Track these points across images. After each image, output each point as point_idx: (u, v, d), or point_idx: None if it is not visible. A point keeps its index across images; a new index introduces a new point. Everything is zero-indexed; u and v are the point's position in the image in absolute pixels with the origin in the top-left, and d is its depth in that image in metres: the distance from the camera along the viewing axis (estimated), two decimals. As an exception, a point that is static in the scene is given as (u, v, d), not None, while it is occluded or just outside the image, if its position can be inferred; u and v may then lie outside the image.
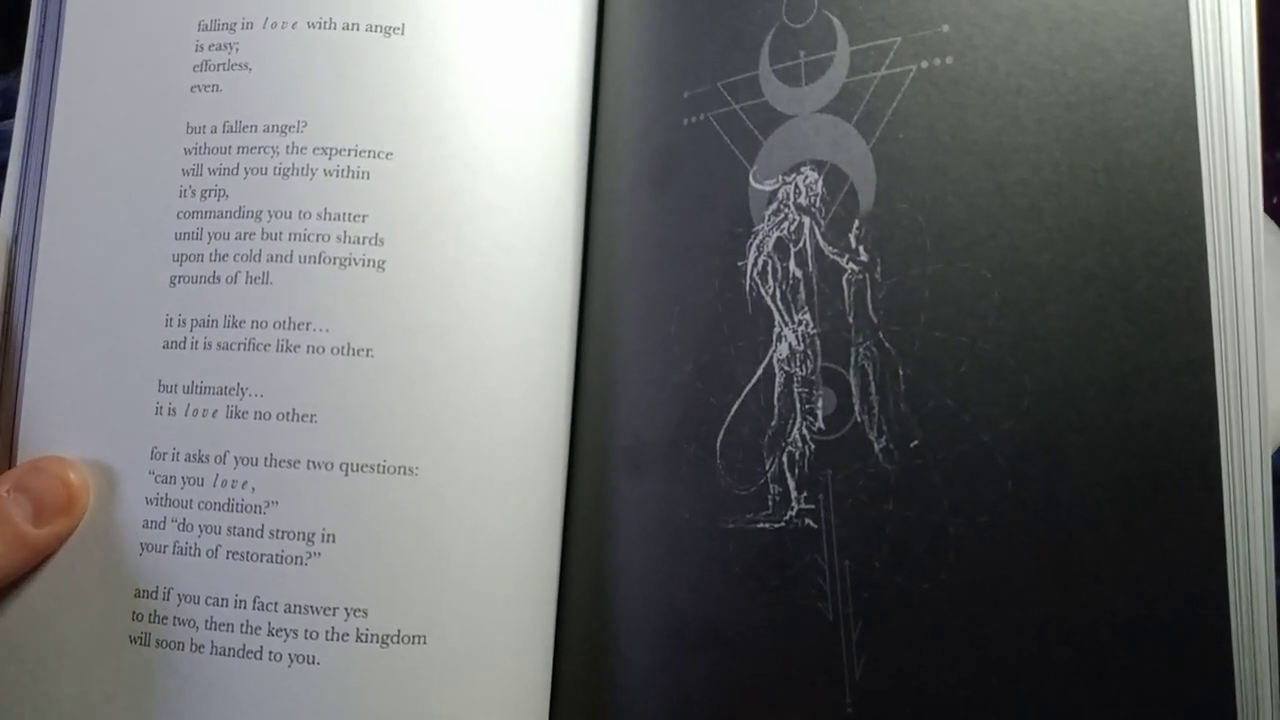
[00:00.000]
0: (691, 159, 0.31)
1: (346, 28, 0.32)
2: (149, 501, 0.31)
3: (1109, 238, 0.26)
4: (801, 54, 0.30)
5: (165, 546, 0.31)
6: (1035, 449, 0.27)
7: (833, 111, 0.29)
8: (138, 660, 0.31)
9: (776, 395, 0.30)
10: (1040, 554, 0.26)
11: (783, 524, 0.29)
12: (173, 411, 0.31)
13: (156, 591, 0.31)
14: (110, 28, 0.33)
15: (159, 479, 0.31)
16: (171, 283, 0.32)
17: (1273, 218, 0.35)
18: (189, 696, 0.30)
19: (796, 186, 0.30)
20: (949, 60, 0.28)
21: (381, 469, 0.31)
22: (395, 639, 0.30)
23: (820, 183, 0.29)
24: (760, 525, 0.29)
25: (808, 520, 0.29)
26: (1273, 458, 0.25)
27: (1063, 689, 0.26)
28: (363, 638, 0.30)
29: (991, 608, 0.27)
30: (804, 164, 0.30)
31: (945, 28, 0.28)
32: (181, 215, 0.32)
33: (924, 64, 0.28)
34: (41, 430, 0.32)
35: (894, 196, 0.28)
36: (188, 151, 0.32)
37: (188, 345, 0.31)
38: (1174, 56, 0.26)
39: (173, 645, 0.31)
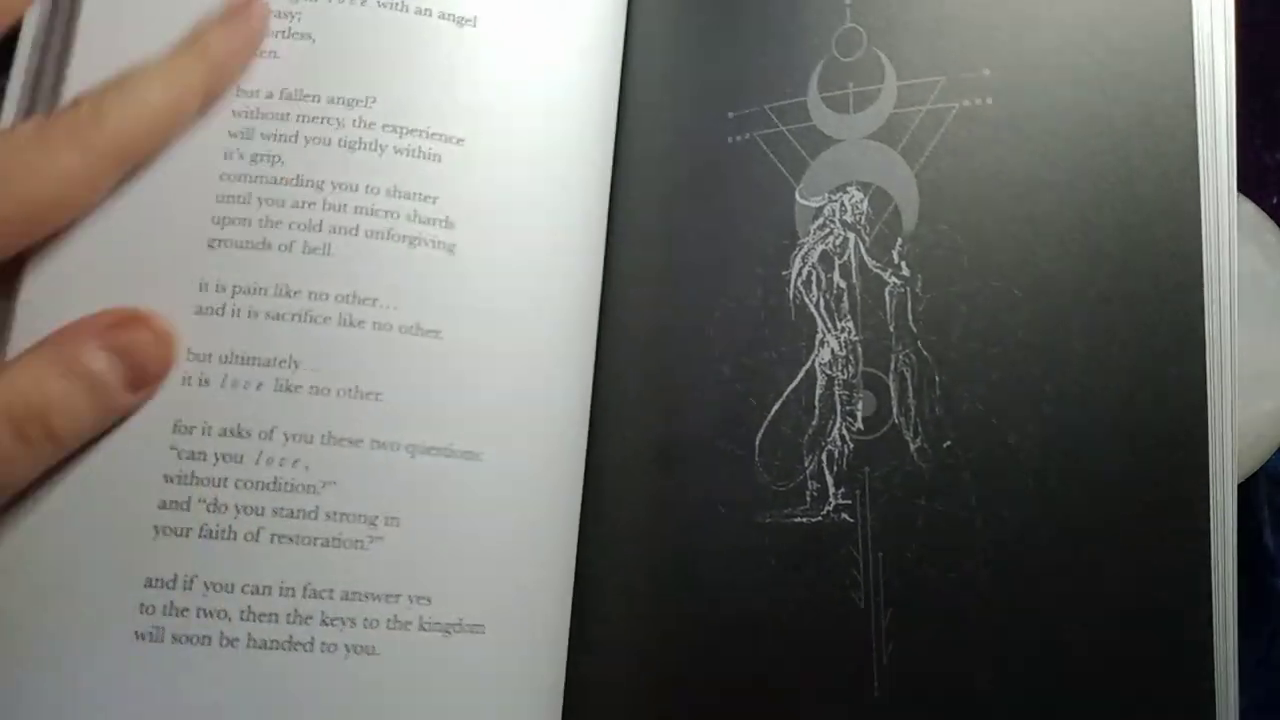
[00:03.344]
0: (736, 174, 0.33)
1: (419, 12, 0.32)
2: (168, 480, 0.29)
3: (1121, 267, 0.30)
4: (850, 85, 0.32)
5: (188, 530, 0.28)
6: (1054, 449, 0.30)
7: (879, 139, 0.32)
8: (146, 658, 0.28)
9: (818, 397, 0.32)
10: (1055, 543, 0.29)
11: (820, 518, 0.31)
12: (205, 382, 0.29)
13: (175, 580, 0.28)
14: None
15: (183, 455, 0.29)
16: (210, 245, 0.30)
17: (1273, 218, 0.39)
18: (221, 695, 0.28)
19: (842, 204, 0.32)
20: (989, 101, 0.31)
21: (449, 452, 0.30)
22: (458, 628, 0.30)
23: (865, 202, 0.32)
24: (798, 520, 0.31)
25: (844, 515, 0.31)
26: (1274, 457, 0.29)
27: (1075, 668, 0.29)
28: (426, 626, 0.29)
29: (1011, 594, 0.29)
30: (850, 184, 0.32)
31: (986, 71, 0.31)
32: (225, 178, 0.31)
33: (966, 103, 0.31)
34: None
35: (935, 219, 0.31)
36: (236, 114, 0.31)
37: (226, 313, 0.30)
38: (1181, 115, 0.30)
39: (195, 640, 0.28)
